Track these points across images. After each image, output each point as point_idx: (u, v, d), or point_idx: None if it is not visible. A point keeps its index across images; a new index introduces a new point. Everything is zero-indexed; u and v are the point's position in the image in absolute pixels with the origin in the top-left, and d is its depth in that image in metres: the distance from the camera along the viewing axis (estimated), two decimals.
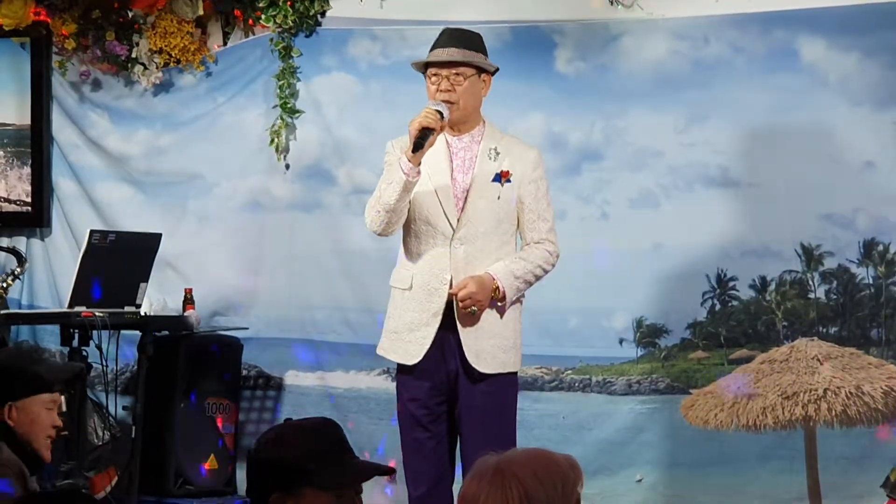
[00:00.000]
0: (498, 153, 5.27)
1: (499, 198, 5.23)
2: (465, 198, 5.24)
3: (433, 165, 5.22)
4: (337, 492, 3.28)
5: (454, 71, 5.20)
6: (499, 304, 5.21)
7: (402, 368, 5.33)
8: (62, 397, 6.28)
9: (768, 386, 6.39)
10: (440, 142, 5.24)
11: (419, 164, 5.10)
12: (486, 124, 5.35)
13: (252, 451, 3.34)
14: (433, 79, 5.23)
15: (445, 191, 5.23)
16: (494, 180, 5.24)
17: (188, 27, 7.41)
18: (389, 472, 3.52)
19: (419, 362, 5.23)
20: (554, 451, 2.96)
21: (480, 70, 5.25)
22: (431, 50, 5.29)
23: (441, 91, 5.19)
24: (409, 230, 5.30)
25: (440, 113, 5.11)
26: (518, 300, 5.32)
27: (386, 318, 5.39)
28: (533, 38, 6.81)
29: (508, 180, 5.24)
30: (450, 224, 5.22)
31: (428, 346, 5.21)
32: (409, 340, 5.25)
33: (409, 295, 5.27)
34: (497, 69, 5.34)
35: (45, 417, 4.38)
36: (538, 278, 5.32)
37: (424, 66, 5.28)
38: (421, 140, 5.06)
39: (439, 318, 5.20)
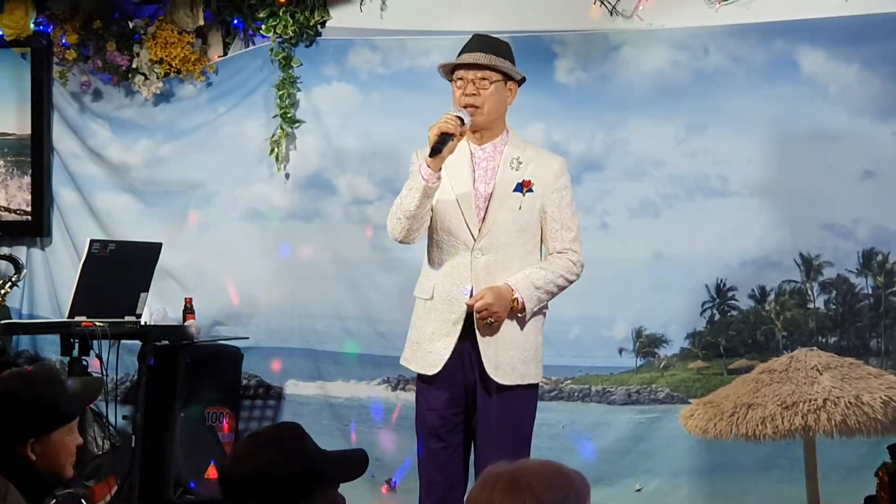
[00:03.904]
0: (521, 162, 5.22)
1: (520, 207, 5.18)
2: (487, 207, 5.19)
3: (455, 174, 5.19)
4: (337, 485, 3.33)
5: (480, 75, 5.17)
6: (519, 314, 5.17)
7: (422, 378, 5.27)
8: None
9: (768, 396, 6.38)
10: (464, 151, 5.21)
11: (439, 169, 5.05)
12: (509, 133, 5.31)
13: (252, 471, 3.22)
14: (459, 83, 5.20)
15: (467, 200, 5.19)
16: (516, 190, 5.19)
17: (188, 37, 7.43)
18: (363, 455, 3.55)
19: (439, 372, 5.19)
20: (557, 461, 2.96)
21: (507, 78, 5.24)
22: (459, 55, 5.27)
23: (466, 95, 5.16)
24: (432, 240, 5.26)
25: (460, 119, 5.06)
26: (541, 311, 5.26)
27: (409, 327, 5.35)
28: (533, 48, 6.82)
29: (531, 190, 5.19)
30: (471, 234, 5.17)
31: (448, 357, 5.16)
32: (429, 350, 5.21)
33: (431, 305, 5.22)
34: (524, 78, 5.30)
35: (69, 443, 4.23)
36: (561, 289, 5.25)
37: (451, 73, 5.27)
38: (440, 145, 5.01)
39: (459, 327, 5.16)
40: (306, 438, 3.35)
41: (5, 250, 7.52)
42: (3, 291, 7.06)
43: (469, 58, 5.21)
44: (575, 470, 2.86)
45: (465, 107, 5.15)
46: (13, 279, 7.11)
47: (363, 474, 3.48)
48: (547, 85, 6.88)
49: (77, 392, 4.48)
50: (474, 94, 5.17)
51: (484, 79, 5.18)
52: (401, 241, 5.25)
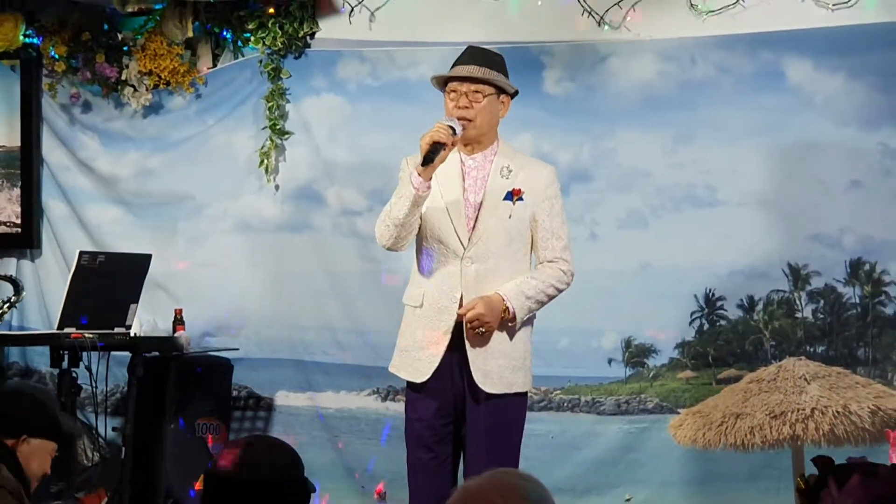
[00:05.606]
0: (510, 171, 5.23)
1: (510, 216, 5.19)
2: (477, 216, 5.20)
3: (446, 183, 5.20)
4: None
5: (473, 88, 5.18)
6: (510, 324, 5.17)
7: (411, 386, 5.28)
8: None
9: (756, 405, 6.39)
10: (454, 160, 5.22)
11: (430, 178, 5.06)
12: (500, 143, 5.31)
13: (267, 477, 3.24)
14: (451, 95, 5.21)
15: (457, 209, 5.19)
16: (506, 198, 5.20)
17: (178, 49, 7.44)
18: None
19: (428, 381, 5.18)
20: (542, 471, 2.95)
21: (500, 91, 5.24)
22: (452, 67, 5.28)
23: (458, 107, 5.17)
24: (422, 248, 5.27)
25: (452, 129, 5.07)
26: (529, 320, 5.27)
27: (398, 335, 5.35)
28: (522, 58, 6.81)
29: (521, 198, 5.20)
30: (461, 242, 5.18)
31: (436, 365, 5.17)
32: (418, 358, 5.21)
33: (420, 312, 5.23)
34: (517, 91, 5.31)
35: (44, 463, 4.38)
36: (551, 298, 5.26)
37: (444, 84, 5.28)
38: (431, 154, 5.02)
39: (449, 336, 5.16)
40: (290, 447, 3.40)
41: (5, 271, 7.50)
42: (1, 311, 7.03)
43: (463, 70, 5.22)
44: (530, 478, 2.84)
45: (457, 119, 5.17)
46: (12, 300, 7.07)
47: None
48: (535, 95, 6.88)
49: (71, 427, 4.70)
50: (467, 107, 5.18)
51: (477, 92, 5.19)
52: (388, 249, 5.26)
